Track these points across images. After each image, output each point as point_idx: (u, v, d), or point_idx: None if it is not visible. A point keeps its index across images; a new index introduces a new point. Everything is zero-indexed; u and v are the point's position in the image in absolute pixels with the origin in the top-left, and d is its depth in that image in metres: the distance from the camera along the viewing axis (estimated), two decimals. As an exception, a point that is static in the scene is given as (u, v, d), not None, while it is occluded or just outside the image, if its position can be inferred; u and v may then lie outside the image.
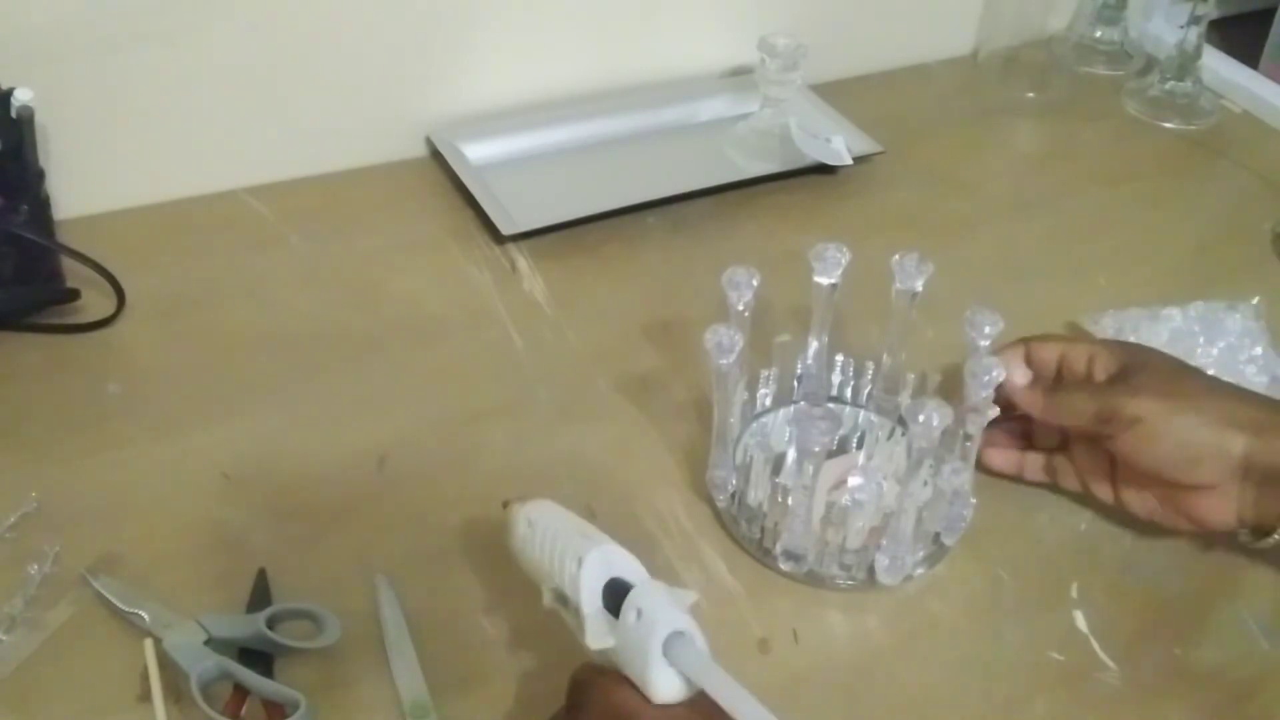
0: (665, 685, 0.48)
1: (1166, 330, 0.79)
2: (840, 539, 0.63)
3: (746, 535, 0.66)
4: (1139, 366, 0.64)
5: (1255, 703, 0.61)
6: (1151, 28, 1.16)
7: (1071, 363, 0.66)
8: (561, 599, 0.53)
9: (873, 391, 0.73)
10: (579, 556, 0.51)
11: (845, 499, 0.64)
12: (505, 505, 0.59)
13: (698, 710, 0.47)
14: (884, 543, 0.63)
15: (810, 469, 0.60)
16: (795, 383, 0.73)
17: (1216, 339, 0.77)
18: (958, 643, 0.63)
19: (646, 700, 0.48)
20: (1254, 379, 0.76)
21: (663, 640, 0.47)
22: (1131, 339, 0.78)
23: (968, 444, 0.64)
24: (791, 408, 0.72)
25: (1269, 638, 0.63)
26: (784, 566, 0.65)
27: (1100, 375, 0.65)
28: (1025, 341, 0.68)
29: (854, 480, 0.61)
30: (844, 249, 0.68)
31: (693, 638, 0.48)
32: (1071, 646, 0.63)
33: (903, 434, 0.69)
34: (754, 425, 0.71)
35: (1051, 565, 0.67)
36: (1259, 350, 0.77)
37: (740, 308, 0.65)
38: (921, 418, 0.58)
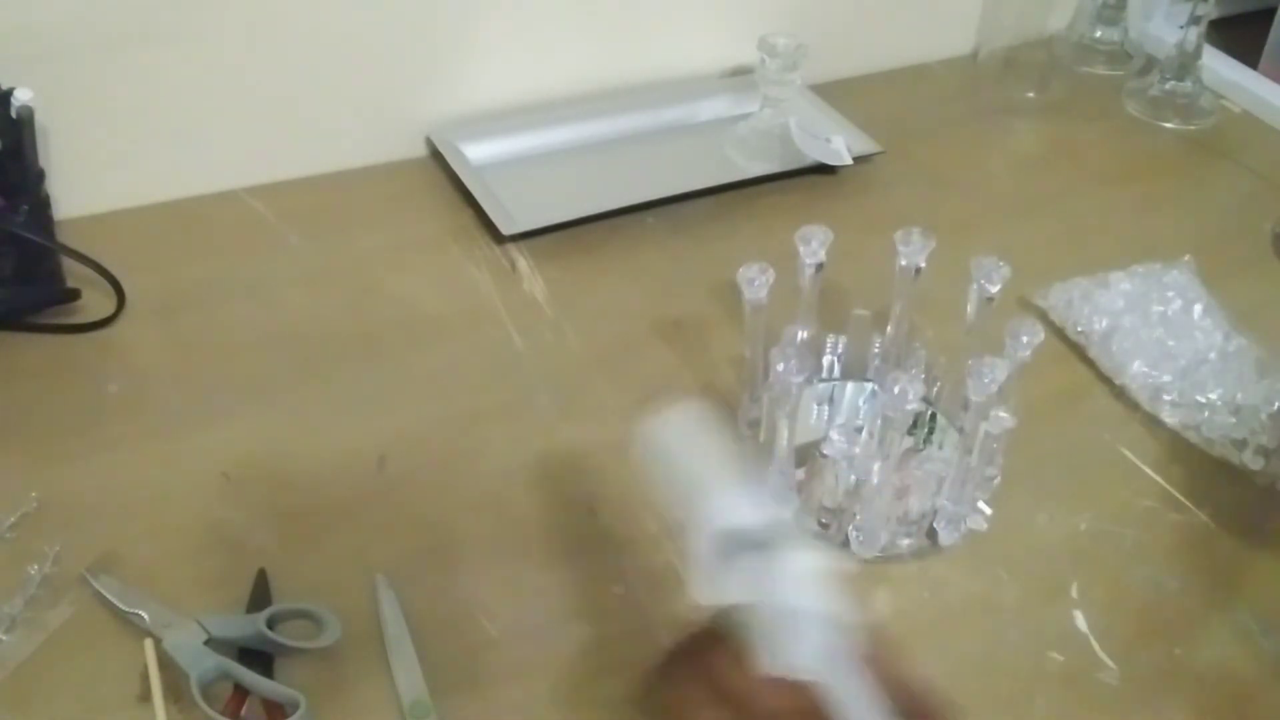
0: (794, 658, 0.42)
1: (1121, 296, 0.81)
2: (818, 492, 0.65)
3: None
4: None
5: (1255, 703, 0.61)
6: (1151, 28, 1.16)
7: None
8: (682, 533, 0.48)
9: (877, 365, 0.74)
10: (703, 497, 0.46)
11: (820, 452, 0.64)
12: (649, 411, 0.51)
13: (805, 697, 0.42)
14: (858, 510, 0.64)
15: (782, 402, 0.62)
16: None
17: (1165, 298, 0.81)
18: (958, 642, 0.63)
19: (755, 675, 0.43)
20: (1200, 323, 0.79)
21: (791, 613, 0.43)
22: (1085, 309, 0.80)
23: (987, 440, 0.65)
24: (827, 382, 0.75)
25: (1269, 638, 0.63)
26: None
27: None
28: None
29: (834, 437, 0.62)
30: (828, 232, 0.69)
31: (827, 622, 0.43)
32: (1071, 646, 0.63)
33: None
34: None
35: (1051, 565, 0.67)
36: (1199, 307, 0.80)
37: (761, 298, 0.67)
38: (897, 389, 0.59)
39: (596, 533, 0.67)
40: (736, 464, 0.48)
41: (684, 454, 0.49)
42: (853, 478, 0.64)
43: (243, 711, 0.57)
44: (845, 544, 0.66)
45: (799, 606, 0.43)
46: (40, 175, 0.83)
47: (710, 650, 0.46)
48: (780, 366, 0.61)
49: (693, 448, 0.49)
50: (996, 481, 0.68)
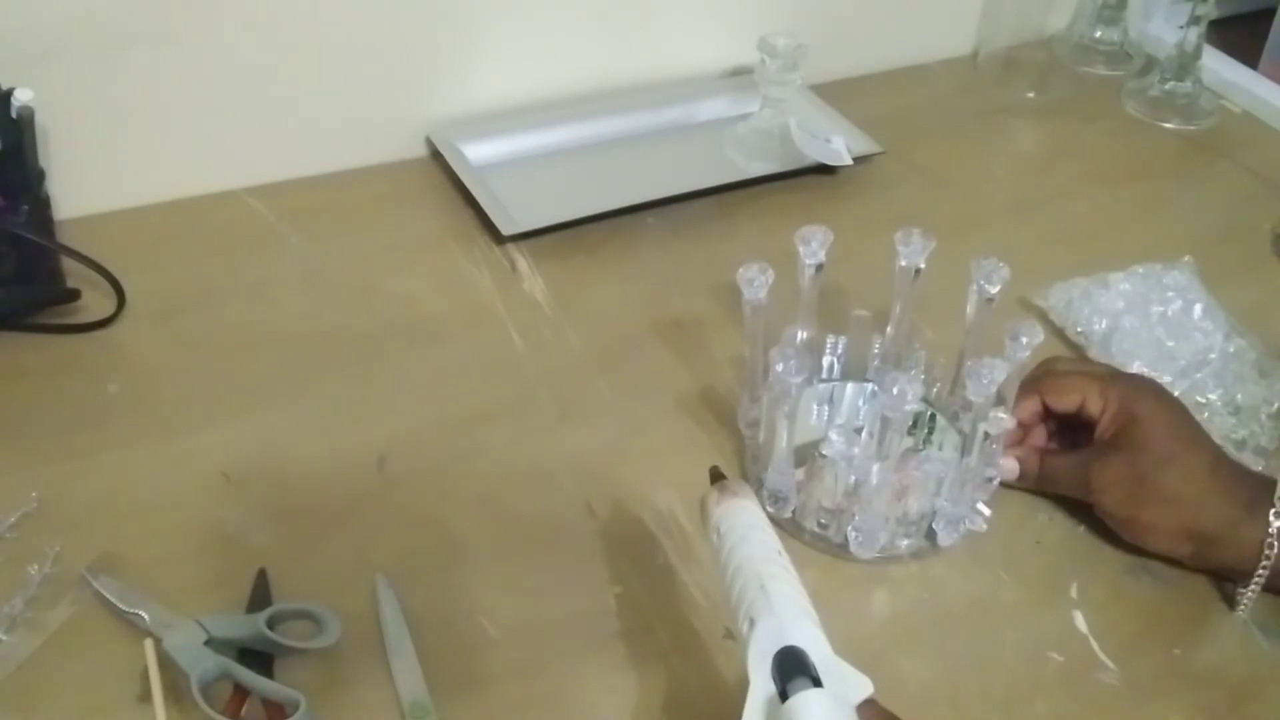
0: None
1: (1121, 297, 0.81)
2: (817, 492, 0.65)
3: (752, 473, 0.69)
4: (1129, 441, 0.65)
5: (1255, 703, 0.61)
6: (1151, 28, 1.16)
7: (1089, 407, 0.67)
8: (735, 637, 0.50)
9: (877, 365, 0.74)
10: (751, 617, 0.48)
11: (819, 452, 0.64)
12: (712, 480, 0.55)
13: None
14: (857, 511, 0.64)
15: (782, 402, 0.62)
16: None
17: (1165, 298, 0.81)
18: (957, 642, 0.63)
19: None
20: (1200, 323, 0.79)
21: None
22: (1085, 309, 0.80)
23: (985, 442, 0.65)
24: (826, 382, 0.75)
25: (1269, 638, 0.63)
26: (770, 509, 0.67)
27: (1104, 430, 0.66)
28: (1039, 387, 0.69)
29: (833, 437, 0.62)
30: (828, 232, 0.69)
31: None
32: (1071, 646, 0.63)
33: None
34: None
35: (1051, 565, 0.67)
36: (1199, 307, 0.80)
37: (760, 298, 0.67)
38: (897, 389, 0.59)
39: (596, 533, 0.67)
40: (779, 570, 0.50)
41: (739, 555, 0.51)
42: (852, 478, 0.64)
43: (243, 711, 0.57)
44: (844, 545, 0.66)
45: None
46: (40, 175, 0.83)
47: None
48: (780, 366, 0.61)
49: (746, 548, 0.51)
50: (996, 482, 0.68)
